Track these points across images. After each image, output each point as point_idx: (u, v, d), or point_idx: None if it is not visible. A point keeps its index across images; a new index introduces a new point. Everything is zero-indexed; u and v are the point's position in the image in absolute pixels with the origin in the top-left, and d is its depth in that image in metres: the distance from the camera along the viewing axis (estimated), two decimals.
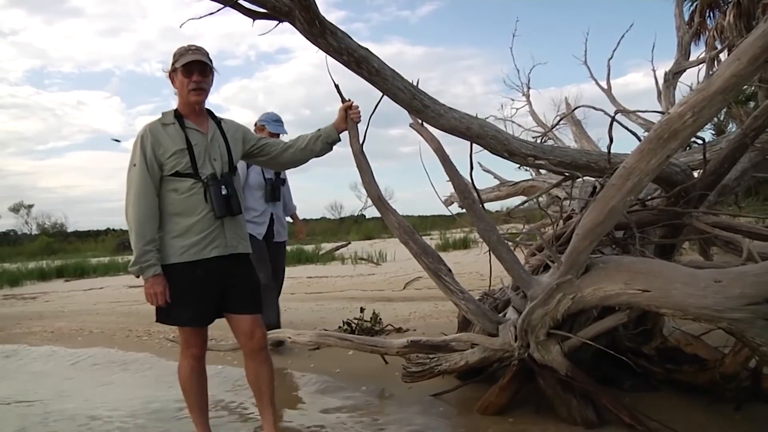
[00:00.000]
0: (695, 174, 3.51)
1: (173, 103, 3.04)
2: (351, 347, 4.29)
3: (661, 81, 6.67)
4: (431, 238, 16.92)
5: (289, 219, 5.94)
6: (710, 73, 5.99)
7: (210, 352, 3.33)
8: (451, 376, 3.76)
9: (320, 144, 3.25)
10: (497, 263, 3.22)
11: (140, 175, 2.85)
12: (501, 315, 3.46)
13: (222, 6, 2.66)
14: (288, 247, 17.70)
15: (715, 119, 13.82)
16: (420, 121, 3.25)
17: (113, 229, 38.88)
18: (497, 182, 6.97)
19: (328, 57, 2.84)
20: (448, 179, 3.36)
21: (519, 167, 4.95)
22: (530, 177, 6.49)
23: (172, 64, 2.93)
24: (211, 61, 2.95)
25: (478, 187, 3.55)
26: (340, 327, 5.66)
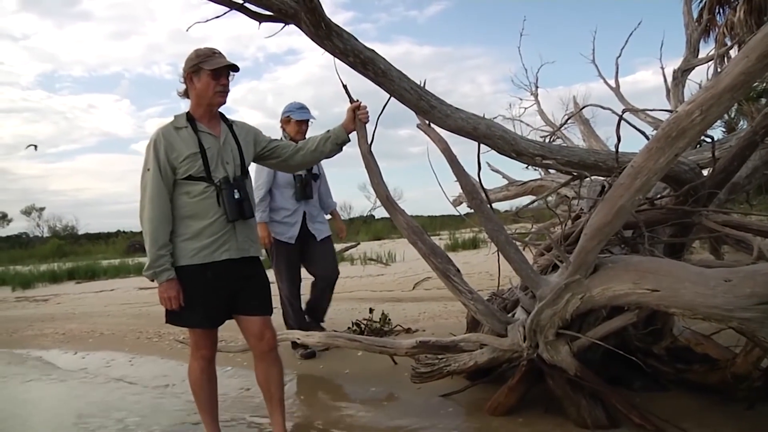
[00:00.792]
0: (705, 172, 3.49)
1: (183, 106, 3.06)
2: (360, 348, 4.30)
3: (669, 79, 6.63)
4: (440, 239, 16.90)
5: (328, 216, 5.59)
6: (719, 70, 5.96)
7: (220, 354, 3.34)
8: (460, 376, 3.75)
9: (330, 145, 3.26)
10: (506, 263, 3.21)
11: (154, 179, 2.87)
12: (510, 315, 3.45)
13: (228, 9, 2.67)
14: None
15: (726, 116, 13.72)
16: (427, 122, 3.24)
17: (124, 232, 39.21)
18: (506, 182, 6.95)
19: (335, 58, 2.85)
20: (456, 179, 3.35)
21: (527, 167, 4.92)
22: (539, 176, 6.47)
23: (195, 65, 2.92)
24: (237, 67, 3.01)
25: (486, 186, 3.54)
26: (349, 328, 5.66)
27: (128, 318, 8.53)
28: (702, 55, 6.68)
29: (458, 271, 3.36)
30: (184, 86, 3.02)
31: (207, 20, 2.71)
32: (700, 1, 15.41)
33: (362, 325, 5.64)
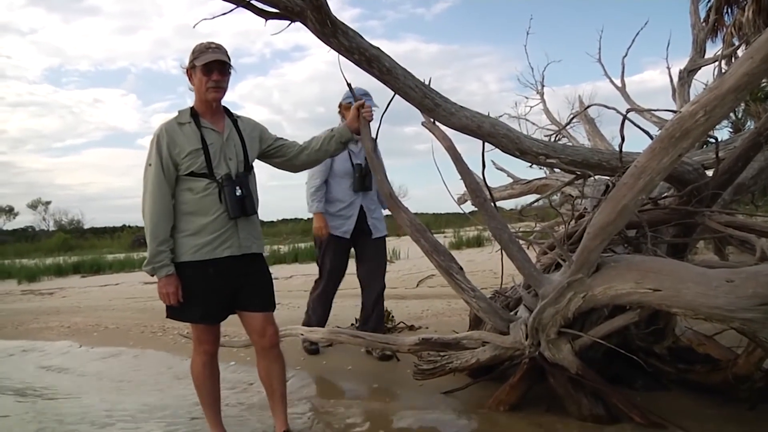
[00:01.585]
0: (708, 173, 3.49)
1: (189, 101, 3.05)
2: (363, 345, 4.32)
3: (675, 79, 6.63)
4: (445, 236, 16.92)
5: (386, 211, 4.99)
6: (723, 71, 5.94)
7: (222, 348, 3.36)
8: (462, 373, 3.77)
9: (334, 144, 3.27)
10: (509, 261, 3.22)
11: (155, 175, 2.88)
12: (512, 313, 3.47)
13: (235, 6, 2.68)
14: (302, 244, 17.51)
15: (733, 117, 13.68)
16: (432, 120, 3.25)
17: (129, 226, 39.27)
18: (510, 180, 6.97)
19: (341, 56, 2.86)
20: (460, 177, 3.36)
21: (531, 165, 4.93)
22: (543, 175, 6.48)
23: (191, 61, 2.93)
24: (230, 59, 2.96)
25: (490, 185, 3.55)
26: (352, 324, 5.67)
27: (133, 312, 8.56)
28: (709, 55, 6.68)
29: (461, 268, 3.37)
30: None
31: (214, 17, 2.73)
32: (708, 1, 15.35)
33: None
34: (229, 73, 3.00)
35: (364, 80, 3.92)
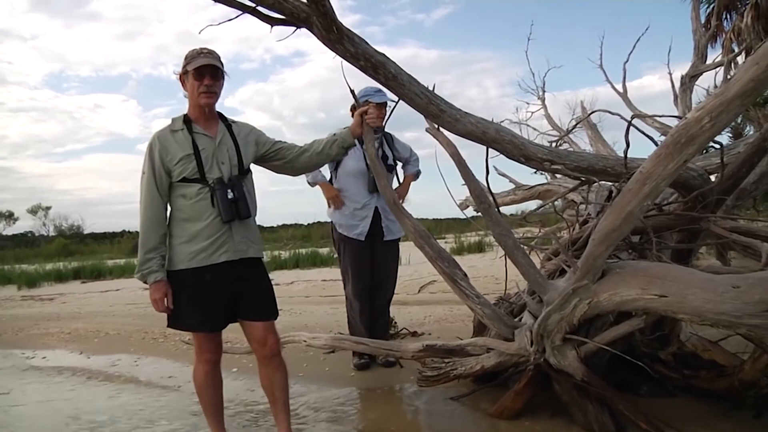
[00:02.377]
0: (713, 178, 3.48)
1: (186, 108, 3.04)
2: (366, 351, 4.30)
3: (677, 84, 6.64)
4: (446, 242, 16.92)
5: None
6: (728, 76, 5.95)
7: (225, 355, 3.35)
8: (466, 380, 3.77)
9: (335, 148, 3.24)
10: (513, 267, 3.22)
11: (147, 183, 2.89)
12: (517, 319, 3.46)
13: (241, 12, 2.69)
14: (303, 250, 17.41)
15: (733, 122, 13.68)
16: (436, 126, 3.25)
17: (129, 231, 39.25)
18: (513, 186, 6.97)
19: (343, 61, 2.86)
20: (463, 183, 3.36)
21: (535, 171, 4.93)
22: (546, 181, 6.48)
23: (184, 66, 2.93)
24: (222, 64, 2.95)
25: (493, 191, 3.55)
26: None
27: (134, 318, 8.55)
28: (710, 60, 6.70)
29: (465, 275, 3.37)
30: None
31: (219, 23, 2.74)
32: (708, 7, 15.38)
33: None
34: (222, 78, 2.98)
35: (368, 83, 3.91)
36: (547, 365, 3.11)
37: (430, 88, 3.01)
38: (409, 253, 12.48)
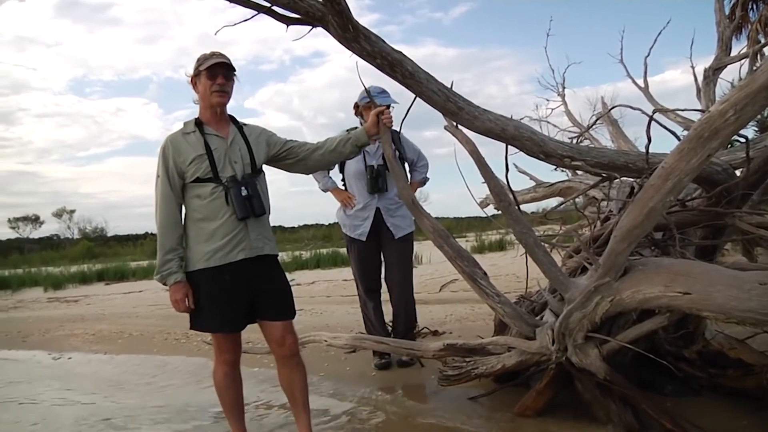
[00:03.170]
0: (738, 173, 3.42)
1: (198, 113, 3.06)
2: (387, 350, 4.29)
3: (700, 78, 6.53)
4: (467, 240, 16.88)
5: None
6: (753, 68, 5.84)
7: (245, 354, 3.35)
8: (487, 379, 3.73)
9: (349, 147, 3.23)
10: (533, 265, 3.18)
11: (162, 186, 2.92)
12: (538, 318, 3.42)
13: (256, 13, 2.68)
14: (324, 250, 17.48)
15: (759, 115, 13.46)
16: (455, 124, 3.22)
17: (151, 234, 39.56)
18: (533, 183, 6.91)
19: (360, 61, 2.85)
20: (483, 181, 3.33)
21: (555, 168, 4.87)
22: (566, 178, 6.41)
23: (196, 68, 2.96)
24: (234, 67, 2.98)
25: (513, 188, 3.51)
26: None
27: (157, 319, 8.63)
28: (734, 53, 6.58)
29: (485, 274, 3.34)
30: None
31: (235, 24, 2.74)
32: None
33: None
34: (233, 78, 3.01)
35: (384, 83, 3.91)
36: (569, 364, 3.07)
37: (449, 86, 2.98)
38: (429, 252, 12.48)
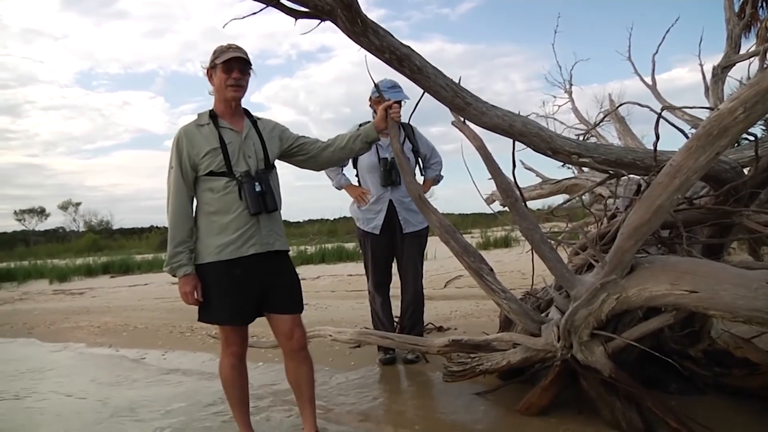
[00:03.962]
0: (746, 171, 3.40)
1: (212, 104, 3.06)
2: (392, 346, 4.29)
3: (708, 76, 6.51)
4: (472, 237, 16.86)
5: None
6: (763, 66, 5.82)
7: (251, 349, 3.36)
8: (492, 376, 3.73)
9: (359, 143, 3.24)
10: (539, 262, 3.18)
11: (174, 178, 2.92)
12: (543, 315, 3.42)
13: (264, 6, 2.68)
14: (329, 245, 17.46)
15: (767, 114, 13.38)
16: (462, 119, 3.22)
17: (157, 227, 39.76)
18: (539, 180, 6.90)
19: (368, 55, 2.84)
20: (489, 177, 3.32)
21: (562, 165, 4.85)
22: (573, 175, 6.40)
23: (212, 61, 2.95)
24: (250, 61, 2.97)
25: (520, 185, 3.50)
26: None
27: (161, 312, 8.66)
28: (743, 51, 6.55)
29: (491, 270, 3.33)
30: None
31: (243, 17, 2.72)
32: None
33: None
34: (249, 73, 3.00)
35: (396, 77, 3.89)
36: (574, 361, 3.07)
37: (456, 82, 2.97)
38: (435, 247, 12.49)
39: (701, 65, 6.89)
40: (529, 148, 3.15)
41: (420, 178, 4.81)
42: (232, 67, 2.91)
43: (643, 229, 2.65)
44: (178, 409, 4.00)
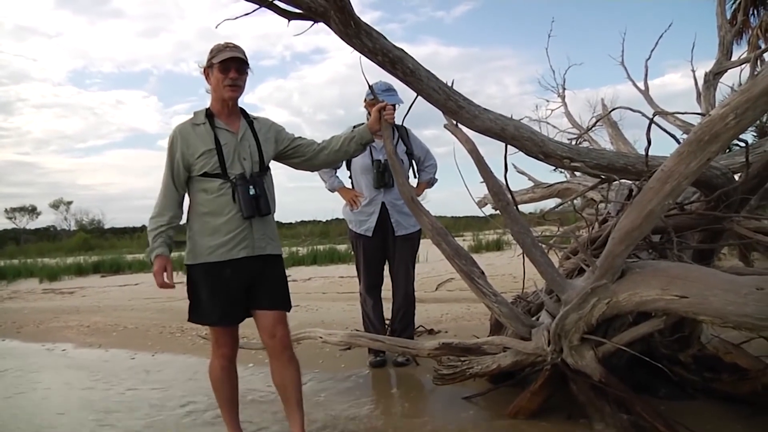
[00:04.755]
0: (736, 177, 3.42)
1: (209, 103, 3.04)
2: (383, 348, 4.29)
3: (701, 82, 6.53)
4: (464, 240, 16.87)
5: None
6: (755, 73, 5.84)
7: (241, 351, 3.34)
8: (482, 379, 3.73)
9: (354, 145, 3.23)
10: (531, 266, 3.18)
11: (166, 176, 2.93)
12: (534, 319, 3.42)
13: (257, 6, 2.67)
14: (321, 246, 17.44)
15: (758, 121, 13.46)
16: (454, 122, 3.22)
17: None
18: (532, 184, 6.91)
19: (362, 57, 2.83)
20: (481, 180, 3.33)
21: (554, 169, 4.86)
22: (565, 179, 6.42)
23: (209, 60, 2.93)
24: (247, 60, 2.95)
25: (512, 188, 3.50)
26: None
27: (152, 312, 8.62)
28: (735, 57, 6.58)
29: (483, 273, 3.34)
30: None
31: (236, 17, 2.71)
32: (734, 3, 15.15)
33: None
34: (246, 72, 2.98)
35: (386, 78, 3.88)
36: (564, 365, 3.07)
37: (450, 85, 2.98)
38: (426, 250, 12.49)
39: (693, 71, 6.94)
40: (521, 152, 3.15)
41: (414, 181, 4.81)
42: (228, 67, 2.88)
43: (634, 233, 2.65)
44: (164, 410, 3.97)
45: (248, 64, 2.97)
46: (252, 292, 2.97)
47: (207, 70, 2.96)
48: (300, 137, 3.24)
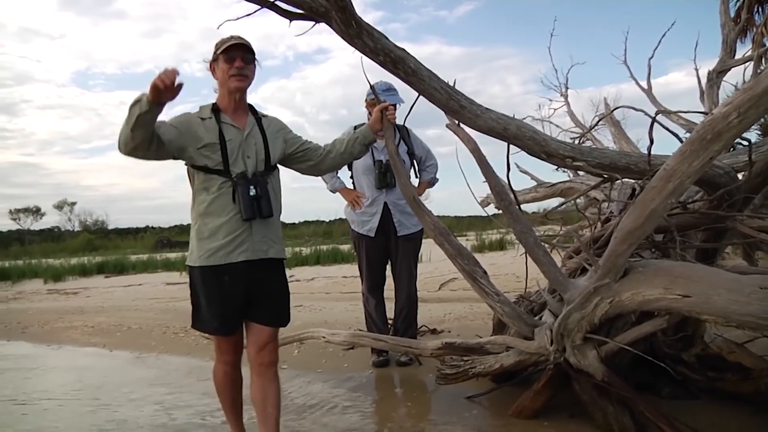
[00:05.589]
0: (740, 176, 3.41)
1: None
2: (385, 348, 4.28)
3: (704, 80, 6.51)
4: (467, 239, 16.86)
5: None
6: (758, 71, 5.83)
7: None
8: (485, 379, 3.73)
9: (358, 146, 3.15)
10: (533, 265, 3.17)
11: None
12: (537, 318, 3.42)
13: (259, 7, 2.67)
14: (324, 246, 17.44)
15: (762, 119, 13.41)
16: (456, 122, 3.21)
17: (152, 227, 39.76)
18: (534, 183, 6.90)
19: (364, 57, 2.83)
20: (484, 180, 3.32)
21: (556, 168, 4.85)
22: (568, 178, 6.41)
23: (214, 53, 2.83)
24: (253, 51, 2.85)
25: (514, 188, 3.49)
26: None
27: (155, 313, 8.62)
28: (738, 55, 6.56)
29: (485, 273, 3.33)
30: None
31: (238, 18, 2.70)
32: (737, 0, 15.09)
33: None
34: (253, 62, 2.86)
35: (388, 78, 3.89)
36: (567, 365, 3.06)
37: (451, 84, 2.97)
38: (429, 250, 12.48)
39: (697, 69, 6.91)
40: (523, 151, 3.14)
41: (415, 181, 4.81)
42: (234, 56, 2.77)
43: (636, 233, 2.65)
44: (171, 411, 3.98)
45: (254, 54, 2.85)
46: (252, 303, 2.86)
47: (213, 64, 2.86)
48: (306, 141, 3.13)
